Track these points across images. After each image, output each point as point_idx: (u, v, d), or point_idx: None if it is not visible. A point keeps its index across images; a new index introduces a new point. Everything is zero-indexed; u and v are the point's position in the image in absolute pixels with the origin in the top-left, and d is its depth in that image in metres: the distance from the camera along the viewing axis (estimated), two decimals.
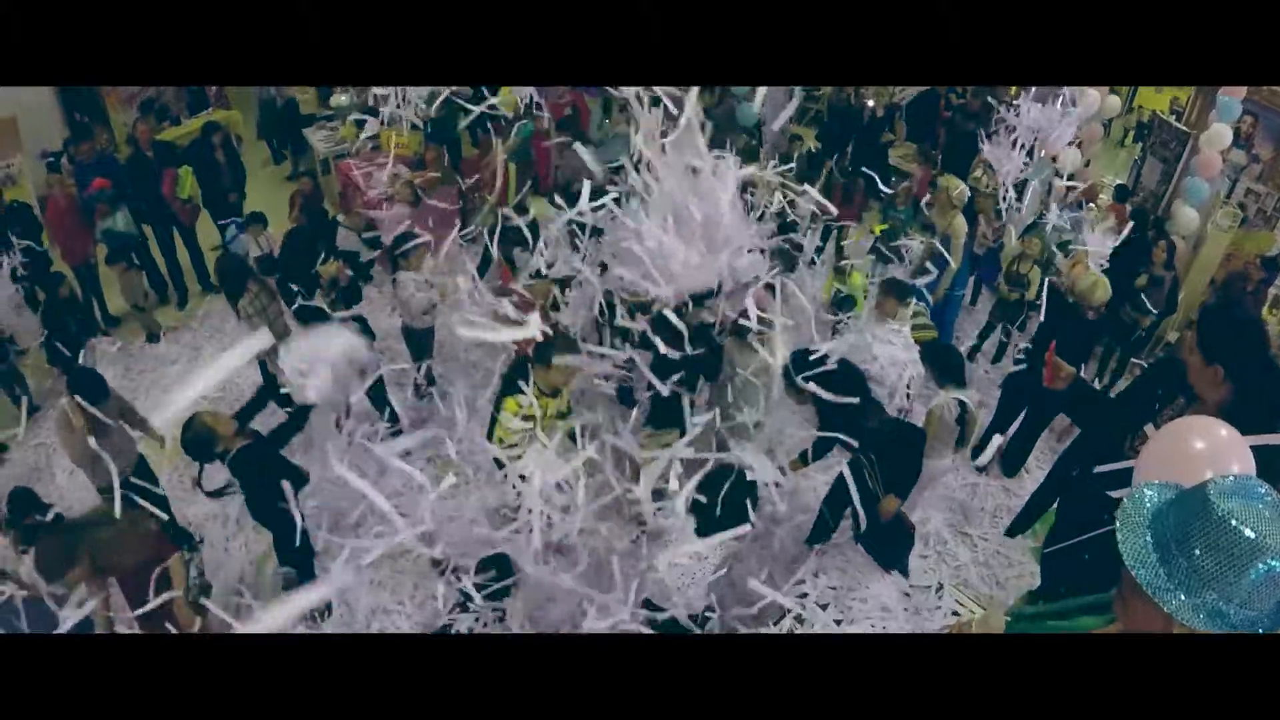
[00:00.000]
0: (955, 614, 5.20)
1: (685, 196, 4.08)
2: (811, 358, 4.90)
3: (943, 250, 7.46)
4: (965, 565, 6.10)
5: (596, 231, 5.71)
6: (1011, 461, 6.96)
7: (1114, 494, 4.36)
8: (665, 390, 4.46)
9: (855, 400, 4.79)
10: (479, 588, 4.39)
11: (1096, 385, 7.90)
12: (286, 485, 4.47)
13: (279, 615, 2.88)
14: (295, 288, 6.72)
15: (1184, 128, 9.36)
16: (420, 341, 7.31)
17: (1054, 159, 8.71)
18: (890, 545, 5.27)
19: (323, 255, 6.51)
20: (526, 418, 4.80)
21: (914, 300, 6.55)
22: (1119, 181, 10.10)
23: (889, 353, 5.83)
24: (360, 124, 10.78)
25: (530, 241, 6.11)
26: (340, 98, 11.00)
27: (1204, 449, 2.73)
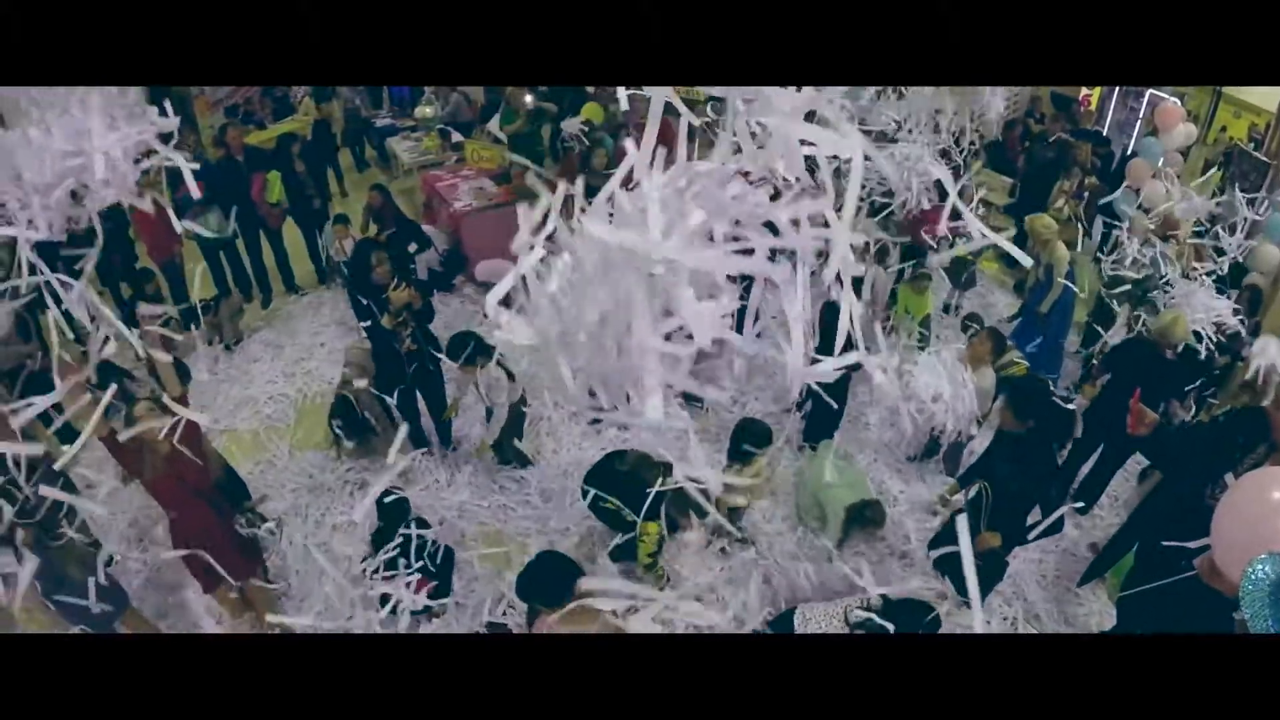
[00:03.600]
0: None
1: None
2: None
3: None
4: (1035, 603, 6.08)
5: None
6: (1086, 497, 6.91)
7: (1192, 544, 4.43)
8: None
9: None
10: None
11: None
12: None
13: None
14: (364, 300, 6.69)
15: (1263, 158, 9.23)
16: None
17: (1137, 191, 8.65)
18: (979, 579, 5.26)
19: (395, 280, 6.60)
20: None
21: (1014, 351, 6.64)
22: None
23: (934, 385, 5.96)
24: (444, 135, 11.08)
25: None
26: (425, 109, 11.22)
27: None
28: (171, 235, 8.79)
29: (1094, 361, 7.92)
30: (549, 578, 3.77)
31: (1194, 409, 7.81)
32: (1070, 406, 5.40)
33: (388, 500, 5.51)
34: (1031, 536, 4.99)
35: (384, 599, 5.55)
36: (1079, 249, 8.14)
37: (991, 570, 5.29)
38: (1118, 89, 12.55)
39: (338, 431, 7.03)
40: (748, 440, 5.42)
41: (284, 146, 9.50)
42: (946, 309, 8.31)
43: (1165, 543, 4.64)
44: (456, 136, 11.12)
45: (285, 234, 9.65)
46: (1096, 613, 6.02)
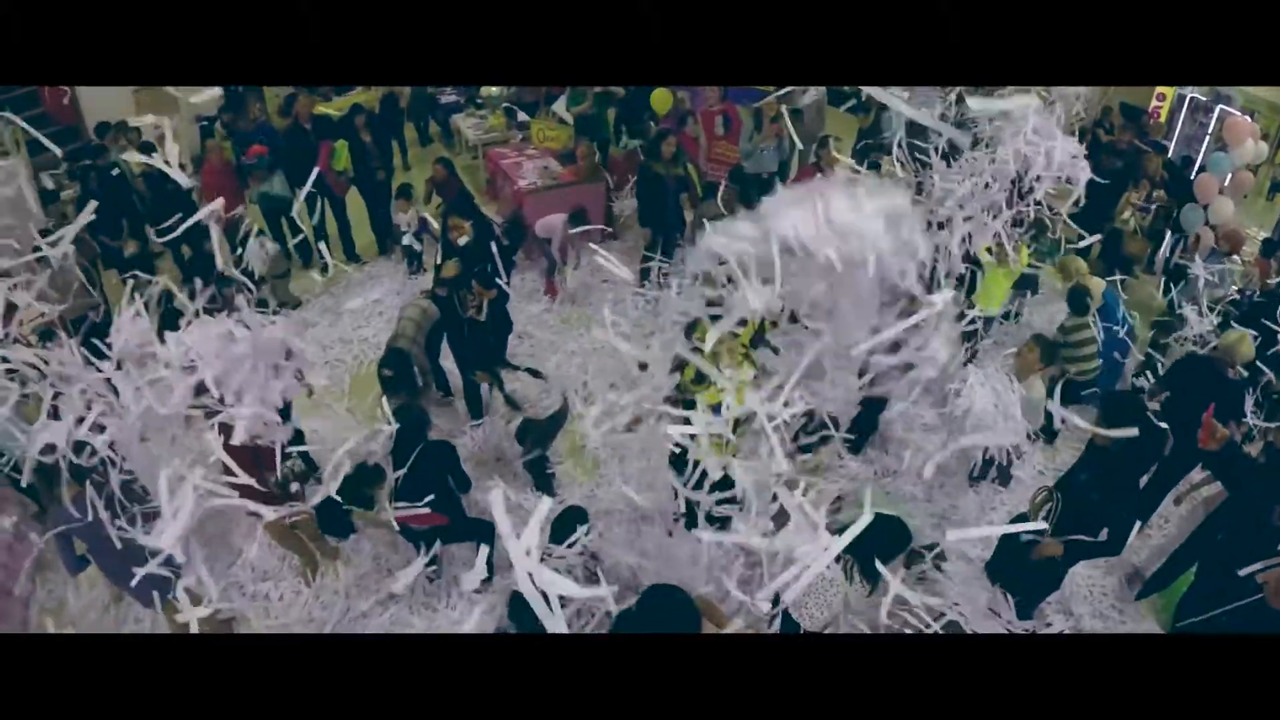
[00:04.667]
0: None
1: None
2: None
3: None
4: (1082, 617, 6.04)
5: None
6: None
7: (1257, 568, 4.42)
8: None
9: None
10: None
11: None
12: None
13: None
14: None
15: None
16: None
17: (1204, 207, 8.57)
18: (1030, 587, 5.20)
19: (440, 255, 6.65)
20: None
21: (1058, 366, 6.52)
22: (1264, 234, 9.82)
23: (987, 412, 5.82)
24: (510, 114, 11.15)
25: None
26: (491, 87, 11.27)
27: None
28: (235, 197, 8.93)
29: (1148, 380, 7.84)
30: (667, 615, 3.29)
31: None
32: (1163, 425, 5.30)
33: (400, 408, 5.42)
34: (1086, 554, 4.96)
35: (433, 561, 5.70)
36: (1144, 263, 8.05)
37: (1047, 580, 5.25)
38: (1188, 102, 12.38)
39: (386, 380, 7.07)
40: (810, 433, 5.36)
41: (352, 117, 9.59)
42: (1006, 315, 8.25)
43: (1228, 561, 4.63)
44: (522, 116, 11.21)
45: (349, 203, 9.78)
46: (1143, 631, 5.97)
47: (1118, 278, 7.84)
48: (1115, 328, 7.29)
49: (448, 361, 7.53)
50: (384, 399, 5.41)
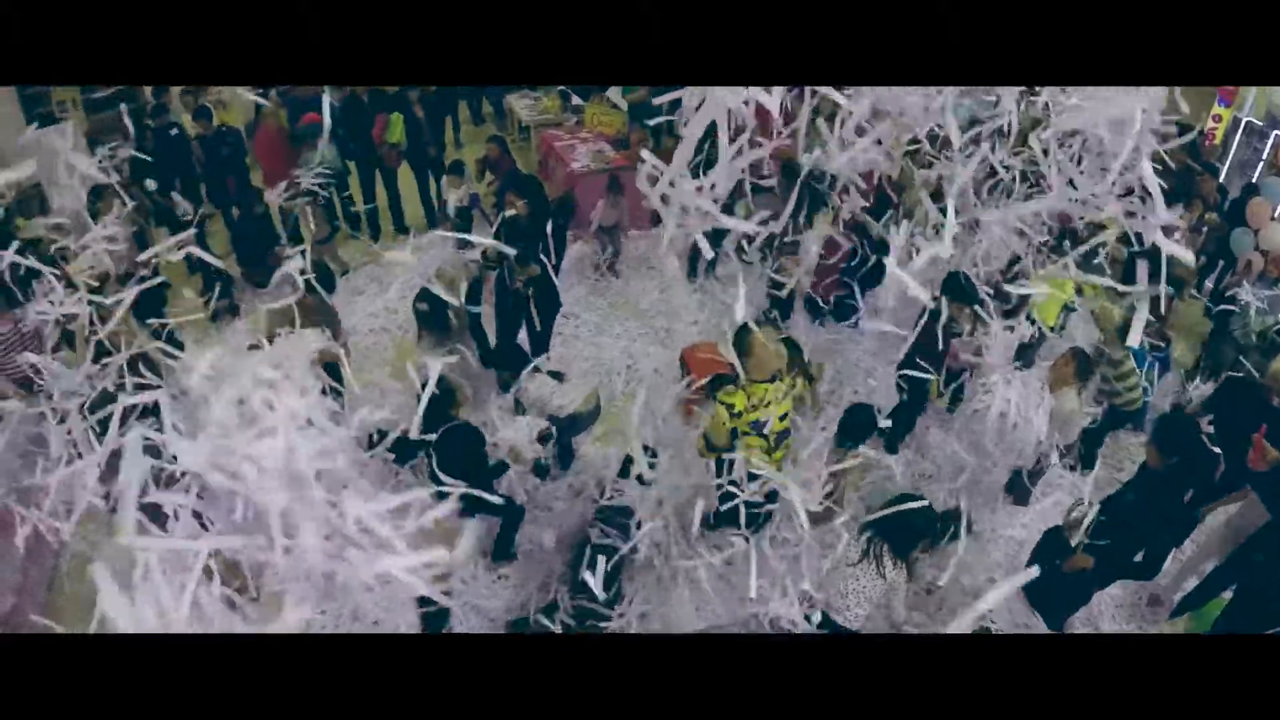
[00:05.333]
0: None
1: None
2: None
3: None
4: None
5: None
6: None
7: None
8: None
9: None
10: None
11: None
12: None
13: None
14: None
15: None
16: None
17: (1256, 232, 8.49)
18: (1060, 601, 5.21)
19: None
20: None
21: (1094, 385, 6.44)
22: None
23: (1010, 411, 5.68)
24: (564, 96, 11.20)
25: None
26: None
27: None
28: (287, 164, 9.02)
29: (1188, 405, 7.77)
30: None
31: None
32: (1216, 450, 5.28)
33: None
34: (1120, 575, 4.95)
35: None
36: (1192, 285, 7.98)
37: (1075, 595, 5.26)
38: (1243, 125, 12.26)
39: (420, 313, 7.04)
40: (853, 427, 5.35)
41: (404, 93, 9.67)
42: (1051, 329, 8.23)
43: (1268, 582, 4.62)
44: (575, 99, 11.30)
45: (399, 177, 9.91)
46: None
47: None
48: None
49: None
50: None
